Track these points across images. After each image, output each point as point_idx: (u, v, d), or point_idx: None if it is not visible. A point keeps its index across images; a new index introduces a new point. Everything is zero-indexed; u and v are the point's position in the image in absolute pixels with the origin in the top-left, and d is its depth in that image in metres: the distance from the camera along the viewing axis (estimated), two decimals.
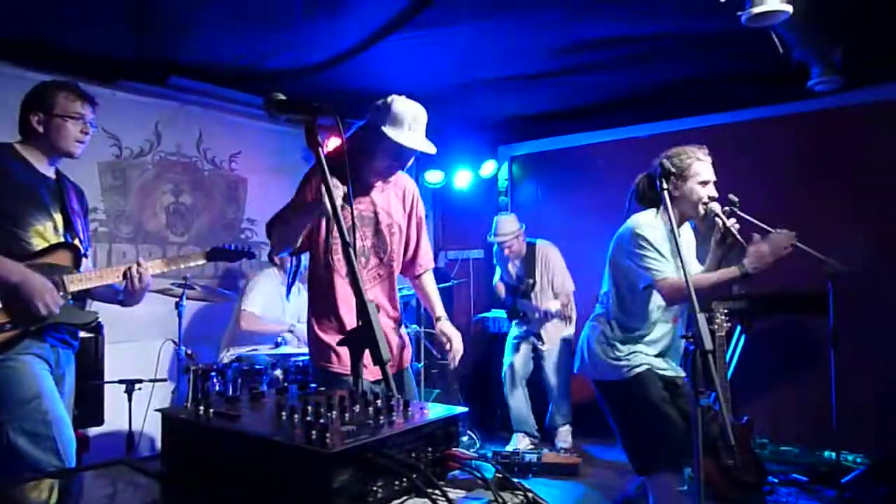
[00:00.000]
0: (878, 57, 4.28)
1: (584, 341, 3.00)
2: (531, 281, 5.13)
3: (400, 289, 2.77)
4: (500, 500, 1.11)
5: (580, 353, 3.02)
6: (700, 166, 2.79)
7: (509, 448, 4.77)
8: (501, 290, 5.40)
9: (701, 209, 2.77)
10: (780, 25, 3.47)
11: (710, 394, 2.80)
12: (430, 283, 2.82)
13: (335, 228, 2.30)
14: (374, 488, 1.10)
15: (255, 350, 4.21)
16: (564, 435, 5.06)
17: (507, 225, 5.23)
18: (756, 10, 3.23)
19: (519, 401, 5.11)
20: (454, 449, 1.24)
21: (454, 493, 1.18)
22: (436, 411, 1.28)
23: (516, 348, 5.20)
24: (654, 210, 2.86)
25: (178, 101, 4.86)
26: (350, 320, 2.44)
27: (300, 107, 1.63)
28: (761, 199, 4.18)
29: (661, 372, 2.85)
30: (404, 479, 1.12)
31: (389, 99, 2.42)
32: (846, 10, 3.74)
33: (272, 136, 5.38)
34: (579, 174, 5.98)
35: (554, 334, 5.07)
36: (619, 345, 2.84)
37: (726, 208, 2.77)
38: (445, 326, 2.67)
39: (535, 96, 5.39)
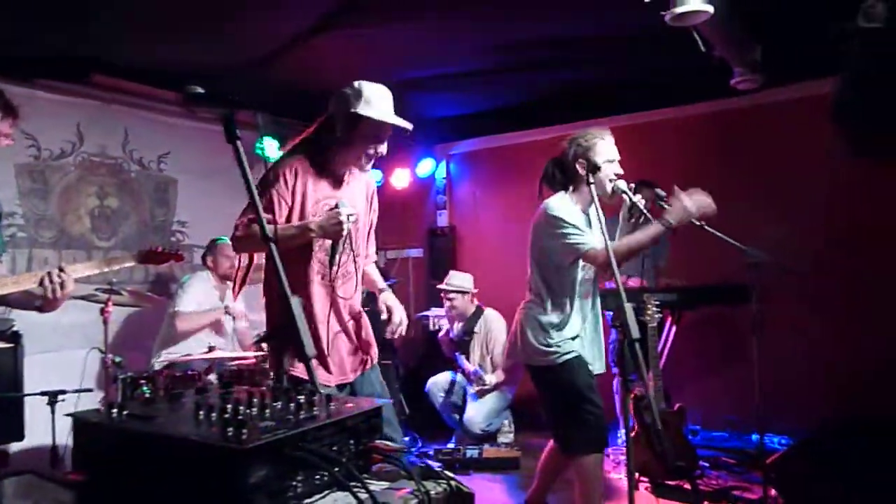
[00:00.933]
0: (795, 56, 4.49)
1: (517, 327, 3.05)
2: (467, 339, 5.21)
3: None
4: (421, 488, 1.11)
5: (514, 339, 3.07)
6: (603, 146, 2.89)
7: (450, 445, 4.78)
8: (444, 343, 5.44)
9: (609, 187, 2.85)
10: (702, 25, 3.59)
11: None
12: (371, 269, 2.79)
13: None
14: (294, 483, 1.09)
15: (189, 356, 4.09)
16: (506, 430, 5.11)
17: (457, 278, 5.26)
18: (679, 9, 3.34)
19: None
20: (378, 441, 1.23)
21: (377, 485, 1.17)
22: (358, 404, 1.27)
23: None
24: (563, 192, 2.96)
25: (101, 100, 4.67)
26: (326, 326, 2.41)
27: (217, 100, 1.59)
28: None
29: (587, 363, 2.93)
30: (326, 473, 1.11)
31: (356, 84, 2.42)
32: (763, 11, 3.91)
33: (203, 135, 5.23)
34: (516, 172, 6.04)
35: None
36: (551, 331, 2.91)
37: (632, 185, 2.87)
38: (388, 298, 2.64)
39: (471, 95, 5.43)
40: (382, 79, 4.93)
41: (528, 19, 3.98)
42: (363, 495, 1.04)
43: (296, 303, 1.43)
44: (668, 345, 4.52)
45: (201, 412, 1.21)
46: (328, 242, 2.40)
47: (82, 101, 4.58)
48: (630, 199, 2.85)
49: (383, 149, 2.47)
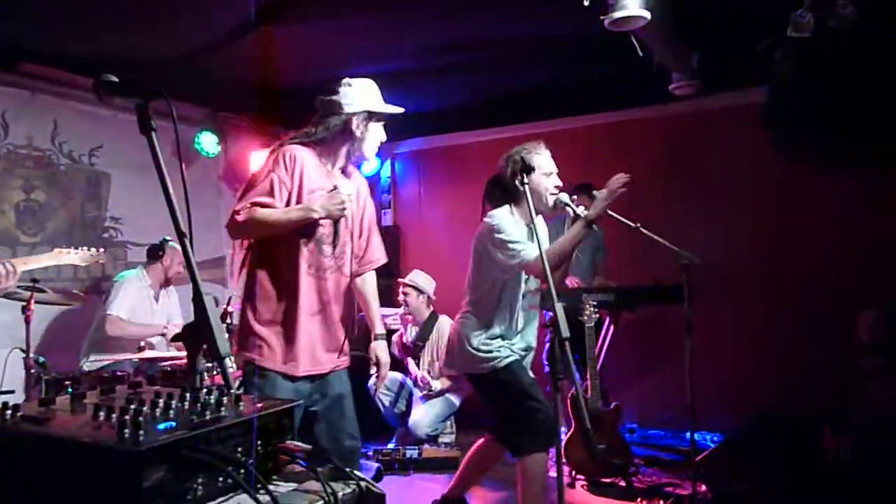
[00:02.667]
0: (730, 64, 4.62)
1: (454, 337, 3.05)
2: (420, 344, 5.19)
3: None
4: (329, 489, 1.08)
5: (452, 349, 3.06)
6: (540, 159, 2.92)
7: (391, 445, 4.76)
8: (398, 346, 5.41)
9: (550, 200, 2.89)
10: (640, 30, 3.67)
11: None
12: (371, 286, 2.77)
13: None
14: (195, 486, 1.05)
15: (119, 357, 3.96)
16: (447, 431, 5.11)
17: (419, 277, 5.24)
18: (617, 14, 3.40)
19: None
20: (287, 442, 1.20)
21: (285, 486, 1.14)
22: (267, 404, 1.24)
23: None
24: (507, 206, 2.97)
25: (28, 90, 4.47)
26: (309, 318, 2.41)
27: (132, 89, 1.53)
28: (626, 197, 4.39)
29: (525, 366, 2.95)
30: (228, 476, 1.08)
31: (345, 82, 2.50)
32: (699, 19, 4.01)
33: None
34: (460, 172, 6.06)
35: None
36: (487, 340, 2.92)
37: (574, 196, 2.91)
38: (379, 347, 2.67)
39: (416, 94, 5.41)
40: (325, 74, 4.87)
41: (473, 20, 4.00)
42: (264, 497, 1.01)
43: (209, 300, 1.39)
44: (606, 344, 4.59)
45: (101, 413, 1.15)
46: (319, 232, 2.41)
47: (8, 90, 4.38)
48: (574, 212, 2.86)
49: (383, 136, 2.58)
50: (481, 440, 3.25)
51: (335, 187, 2.42)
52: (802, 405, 4.03)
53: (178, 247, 4.48)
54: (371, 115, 2.50)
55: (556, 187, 2.90)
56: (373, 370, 2.68)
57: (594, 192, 3.23)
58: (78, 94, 4.65)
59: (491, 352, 2.90)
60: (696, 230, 4.32)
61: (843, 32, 3.08)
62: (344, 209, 2.38)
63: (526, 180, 2.56)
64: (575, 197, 2.93)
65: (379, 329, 2.71)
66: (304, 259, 2.40)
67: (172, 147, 1.73)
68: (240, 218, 2.30)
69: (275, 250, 2.41)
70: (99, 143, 4.89)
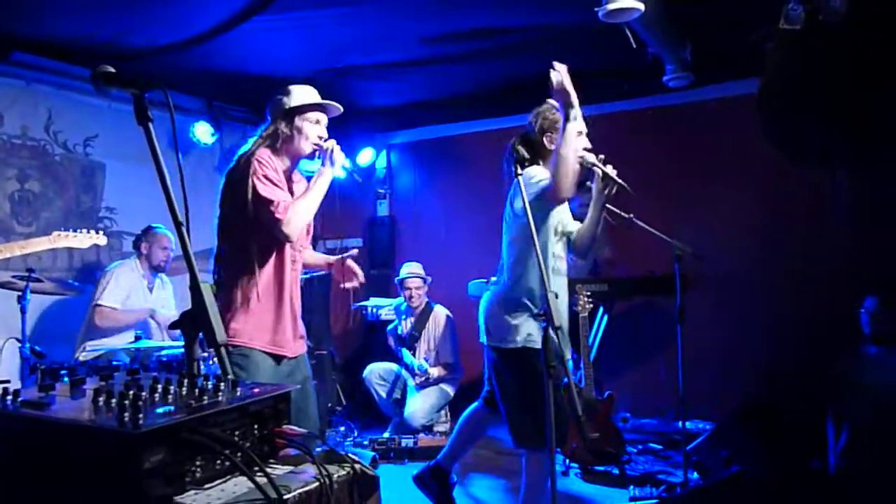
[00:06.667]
0: (722, 56, 4.64)
1: (483, 310, 2.96)
2: (416, 334, 5.21)
3: None
4: (324, 471, 1.11)
5: (481, 322, 2.97)
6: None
7: (386, 435, 4.79)
8: (391, 340, 5.43)
9: (577, 160, 2.78)
10: (634, 22, 3.68)
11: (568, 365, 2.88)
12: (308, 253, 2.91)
13: None
14: (193, 468, 1.08)
15: (114, 346, 3.97)
16: (442, 420, 5.14)
17: (419, 268, 5.26)
18: (611, 6, 3.42)
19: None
20: (284, 426, 1.23)
21: (281, 469, 1.17)
22: (265, 390, 1.26)
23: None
24: (537, 165, 2.88)
25: (23, 80, 4.46)
26: (288, 304, 2.52)
27: (128, 81, 1.55)
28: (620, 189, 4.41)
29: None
30: (226, 458, 1.10)
31: (285, 88, 2.63)
32: (690, 11, 4.02)
33: (133, 118, 5.05)
34: (456, 163, 6.08)
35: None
36: (515, 313, 2.81)
37: (601, 156, 2.84)
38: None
39: (411, 85, 5.41)
40: (322, 65, 4.90)
41: (468, 10, 3.99)
42: (261, 479, 1.04)
43: (206, 288, 1.41)
44: (601, 334, 4.63)
45: (100, 398, 1.18)
46: None
47: (1, 79, 4.35)
48: (602, 171, 2.80)
49: (324, 132, 2.64)
50: (473, 410, 3.20)
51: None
52: (794, 393, 4.08)
53: (160, 232, 4.47)
54: (304, 111, 2.58)
55: (585, 148, 2.82)
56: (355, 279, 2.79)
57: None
58: (72, 83, 4.64)
59: (518, 327, 2.78)
60: (689, 220, 4.35)
61: (832, 25, 3.10)
62: (342, 154, 2.63)
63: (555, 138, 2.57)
64: (602, 156, 2.82)
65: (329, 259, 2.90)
66: (287, 252, 2.54)
67: (167, 137, 1.75)
68: (283, 217, 2.38)
69: (263, 247, 2.50)
70: (94, 132, 4.88)
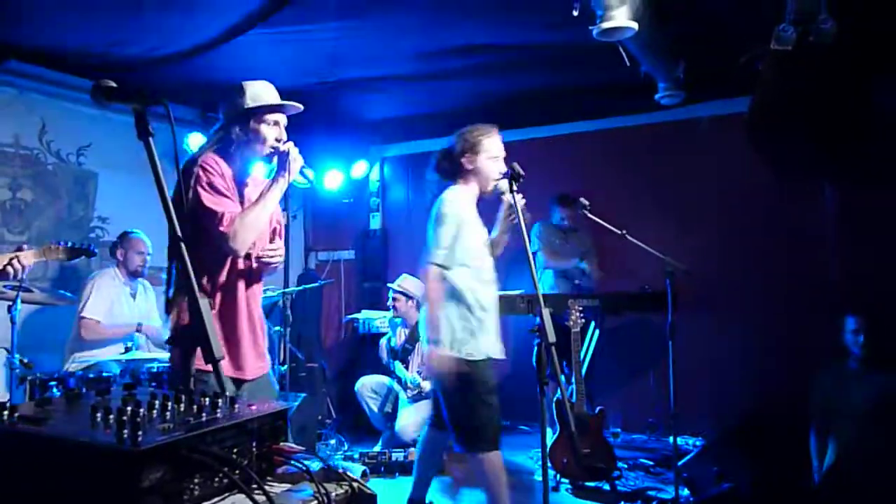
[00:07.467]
0: (713, 75, 4.69)
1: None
2: (409, 347, 5.20)
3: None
4: (322, 490, 1.11)
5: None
6: (489, 142, 2.94)
7: (377, 448, 4.77)
8: (384, 353, 5.42)
9: (490, 185, 2.90)
10: (627, 41, 3.72)
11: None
12: None
13: None
14: (191, 486, 1.07)
15: (103, 357, 3.93)
16: None
17: (408, 282, 5.21)
18: (605, 25, 3.45)
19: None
20: (282, 444, 1.23)
21: (279, 487, 1.17)
22: (261, 407, 1.26)
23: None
24: (454, 184, 2.99)
25: (16, 88, 4.46)
26: (245, 323, 2.37)
27: (130, 94, 1.55)
28: (613, 203, 4.47)
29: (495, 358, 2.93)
30: (224, 476, 1.10)
31: (238, 84, 2.42)
32: (682, 31, 4.08)
33: (127, 128, 4.98)
34: None
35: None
36: (466, 324, 2.89)
37: (520, 196, 2.82)
38: None
39: (406, 99, 5.44)
40: (317, 78, 4.91)
41: (464, 26, 4.03)
42: (260, 497, 1.03)
43: (204, 304, 1.41)
44: (592, 349, 4.64)
45: (98, 414, 1.17)
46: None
47: None
48: (511, 201, 2.75)
49: (282, 133, 2.43)
50: (425, 435, 3.23)
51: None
52: (783, 409, 4.11)
53: (136, 237, 4.41)
54: (261, 113, 2.39)
55: (500, 173, 2.88)
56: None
57: (581, 200, 3.30)
58: (66, 93, 4.63)
59: (464, 341, 2.87)
60: (681, 237, 4.38)
61: (821, 46, 3.15)
62: (300, 160, 2.37)
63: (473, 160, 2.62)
64: (515, 187, 2.76)
65: None
66: (237, 267, 2.37)
67: (161, 147, 1.73)
68: (229, 229, 2.22)
69: (210, 262, 2.33)
70: (87, 142, 4.88)
